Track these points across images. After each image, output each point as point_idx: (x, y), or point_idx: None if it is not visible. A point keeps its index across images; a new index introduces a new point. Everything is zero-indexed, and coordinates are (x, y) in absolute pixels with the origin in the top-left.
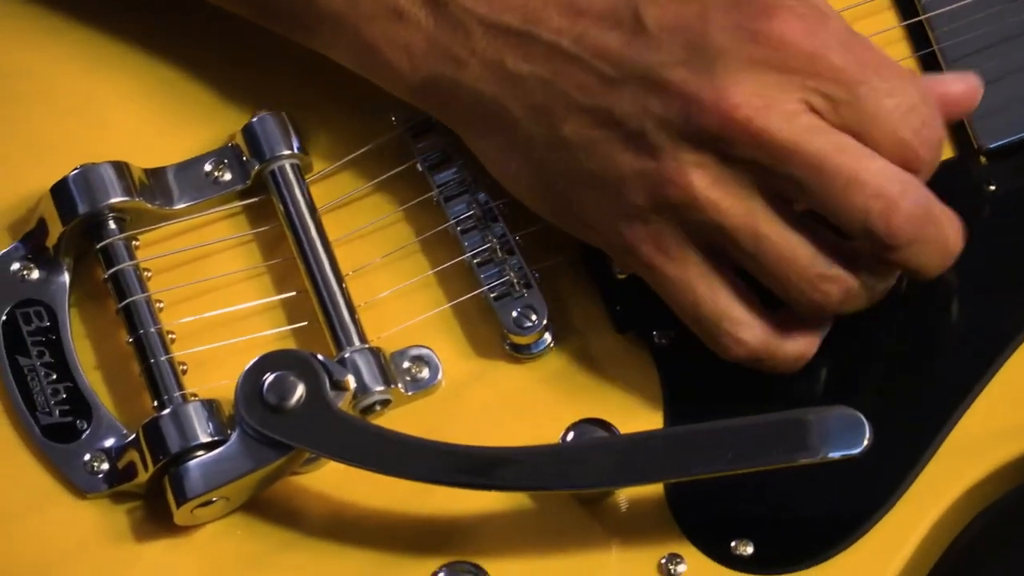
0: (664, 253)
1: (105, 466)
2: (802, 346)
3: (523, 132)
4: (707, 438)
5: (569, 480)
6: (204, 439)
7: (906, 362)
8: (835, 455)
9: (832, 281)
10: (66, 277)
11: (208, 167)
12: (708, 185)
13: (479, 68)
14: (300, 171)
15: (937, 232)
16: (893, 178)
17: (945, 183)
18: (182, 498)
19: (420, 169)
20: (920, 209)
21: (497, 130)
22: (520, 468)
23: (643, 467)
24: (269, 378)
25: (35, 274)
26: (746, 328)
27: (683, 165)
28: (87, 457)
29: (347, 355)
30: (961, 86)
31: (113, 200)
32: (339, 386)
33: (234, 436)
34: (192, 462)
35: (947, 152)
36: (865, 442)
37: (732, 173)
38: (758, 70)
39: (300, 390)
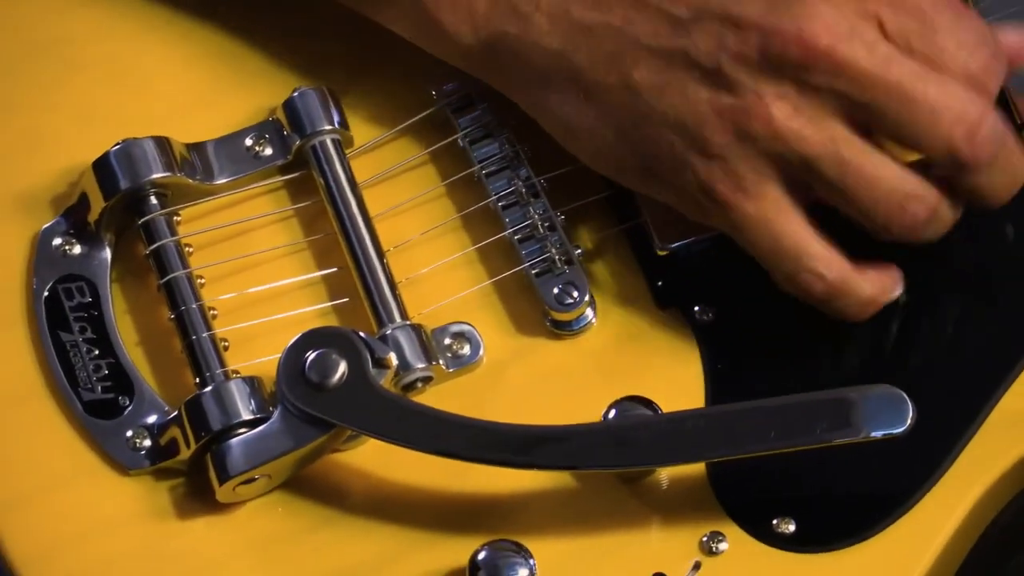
0: (743, 191)
1: (147, 443)
2: (876, 288)
3: (591, 84)
4: (751, 417)
5: (611, 459)
6: (246, 416)
7: (948, 339)
8: (878, 434)
9: (919, 200)
10: (107, 253)
11: (249, 142)
12: (789, 115)
13: (544, 22)
14: (341, 146)
15: (1010, 156)
16: (972, 104)
17: None
18: (225, 476)
19: (461, 144)
20: (998, 133)
21: (563, 86)
22: (562, 446)
23: (686, 446)
24: (311, 356)
25: (77, 249)
26: (826, 263)
27: (763, 98)
28: (129, 434)
29: (388, 332)
30: (1016, 37)
31: (155, 175)
32: (381, 364)
33: (276, 414)
34: (234, 440)
35: None
36: (908, 421)
37: (812, 103)
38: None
39: (342, 368)
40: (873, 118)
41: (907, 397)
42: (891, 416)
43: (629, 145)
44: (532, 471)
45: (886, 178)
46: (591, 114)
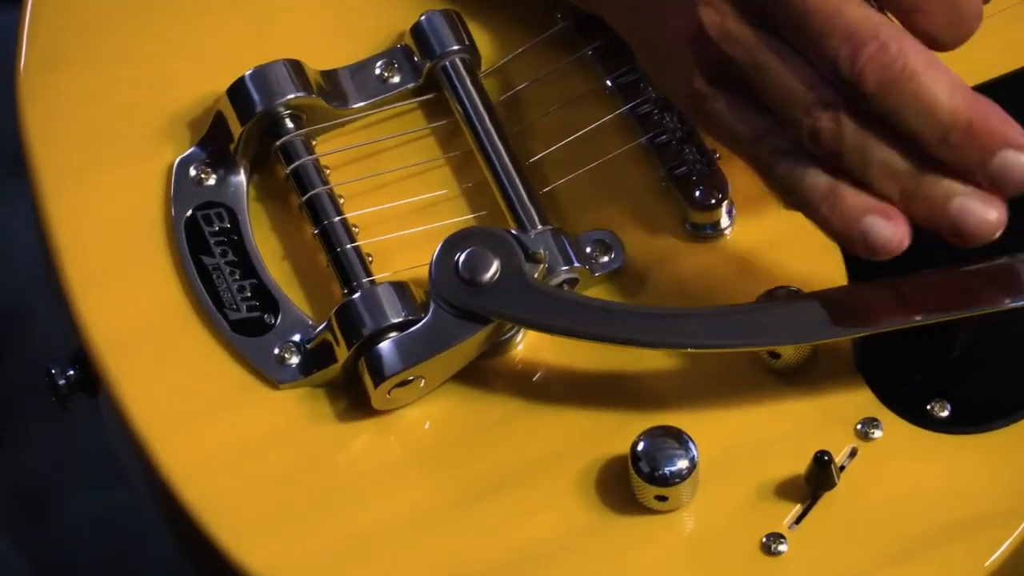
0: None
1: (296, 358)
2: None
3: None
4: (914, 288)
5: (768, 336)
6: (397, 319)
7: None
8: None
9: (821, 105)
10: (243, 179)
11: (379, 68)
12: (715, 23)
13: None
14: (471, 65)
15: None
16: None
17: None
18: (380, 377)
19: (590, 60)
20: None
21: None
22: (716, 325)
23: (855, 317)
24: (463, 254)
25: (213, 177)
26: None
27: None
28: (277, 350)
29: (532, 236)
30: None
31: (291, 96)
32: (533, 258)
33: (430, 313)
34: (388, 341)
35: None
36: None
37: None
38: None
39: (495, 265)
40: (782, 30)
41: None
42: None
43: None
44: (691, 363)
45: (796, 87)
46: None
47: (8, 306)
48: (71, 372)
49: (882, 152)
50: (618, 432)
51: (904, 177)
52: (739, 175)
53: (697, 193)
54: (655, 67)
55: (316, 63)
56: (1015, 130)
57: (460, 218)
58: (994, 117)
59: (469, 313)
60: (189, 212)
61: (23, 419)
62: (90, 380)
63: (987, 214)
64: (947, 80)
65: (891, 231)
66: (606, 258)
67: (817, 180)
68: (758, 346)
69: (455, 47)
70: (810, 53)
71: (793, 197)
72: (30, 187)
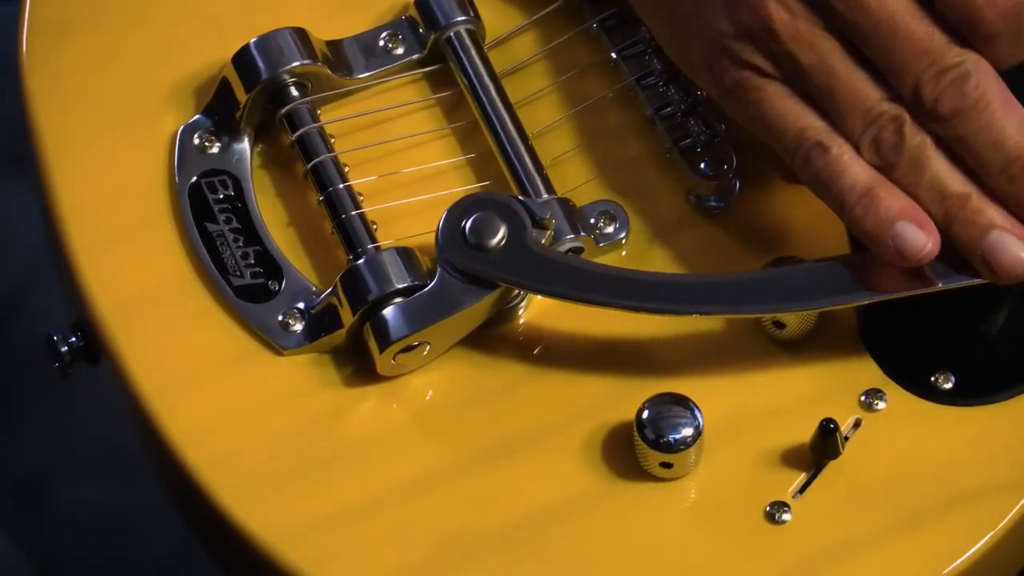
0: (745, 83)
1: (300, 324)
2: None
3: None
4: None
5: (774, 303)
6: (403, 284)
7: None
8: None
9: (888, 118)
10: (247, 146)
11: (383, 40)
12: (785, 21)
13: None
14: (476, 37)
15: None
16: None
17: None
18: (385, 342)
19: (595, 32)
20: (970, 84)
21: None
22: (722, 291)
23: (861, 285)
24: (470, 220)
25: (217, 145)
26: (827, 135)
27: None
28: (281, 316)
29: (539, 204)
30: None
31: (296, 64)
32: (540, 225)
33: (436, 278)
34: (394, 306)
35: None
36: None
37: (807, 13)
38: None
39: (502, 230)
40: (858, 40)
41: None
42: None
43: (678, 34)
44: (697, 330)
45: (863, 94)
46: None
47: (6, 295)
48: (72, 339)
49: (936, 171)
50: (623, 399)
51: (951, 199)
52: (743, 148)
53: (702, 165)
54: (684, 49)
55: (322, 33)
56: None
57: (465, 187)
58: None
59: (475, 278)
60: (193, 179)
61: (22, 410)
62: (92, 348)
63: (1021, 251)
64: (1018, 116)
65: (923, 238)
66: (611, 228)
67: (856, 181)
68: (764, 312)
69: (460, 18)
70: (887, 68)
71: (825, 193)
72: (33, 155)
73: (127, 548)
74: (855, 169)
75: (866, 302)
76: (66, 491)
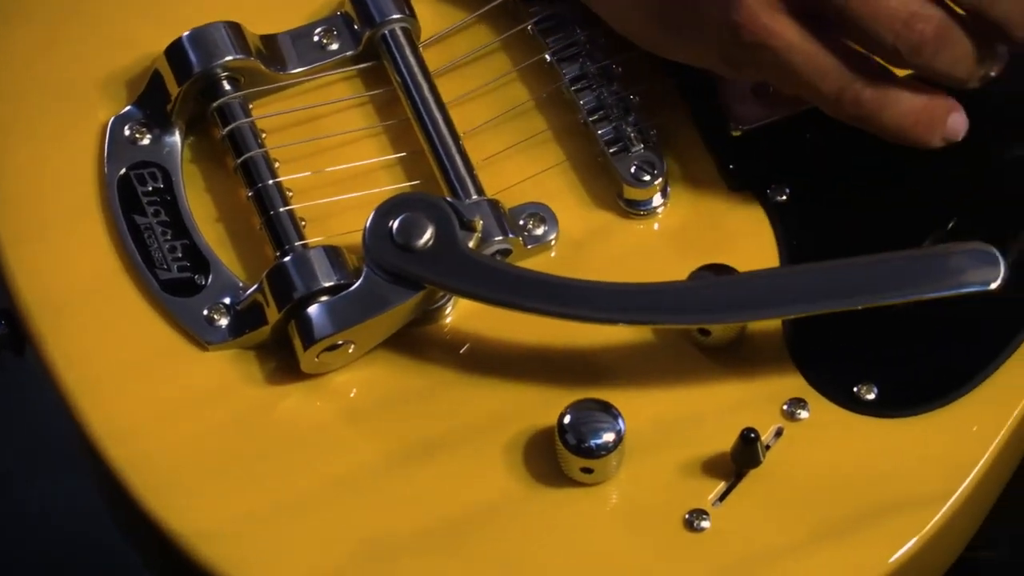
0: (765, 28)
1: (225, 319)
2: (926, 101)
3: None
4: (843, 272)
5: (696, 315)
6: (329, 283)
7: None
8: (969, 289)
9: (923, 19)
10: (178, 139)
11: (318, 35)
12: None
13: None
14: (411, 35)
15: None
16: None
17: None
18: (309, 340)
19: (532, 32)
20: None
21: None
22: (648, 300)
23: (788, 298)
24: (398, 219)
25: (147, 137)
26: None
27: None
28: (207, 311)
29: (468, 205)
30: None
31: (229, 58)
32: (468, 226)
33: (362, 277)
34: (319, 305)
35: None
36: (1000, 277)
37: None
38: None
39: (430, 231)
40: None
41: (999, 253)
42: (983, 271)
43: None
44: (621, 335)
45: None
46: None
47: None
48: None
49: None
50: (547, 404)
51: (971, 61)
52: (673, 156)
53: (632, 169)
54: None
55: (257, 28)
56: None
57: (395, 186)
58: None
59: (401, 278)
60: (123, 171)
61: None
62: (17, 338)
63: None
64: None
65: (964, 121)
66: (540, 230)
67: (914, 102)
68: (689, 323)
69: (395, 16)
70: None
71: (875, 121)
72: None
73: (75, 543)
74: (905, 93)
75: (787, 317)
76: (18, 488)
